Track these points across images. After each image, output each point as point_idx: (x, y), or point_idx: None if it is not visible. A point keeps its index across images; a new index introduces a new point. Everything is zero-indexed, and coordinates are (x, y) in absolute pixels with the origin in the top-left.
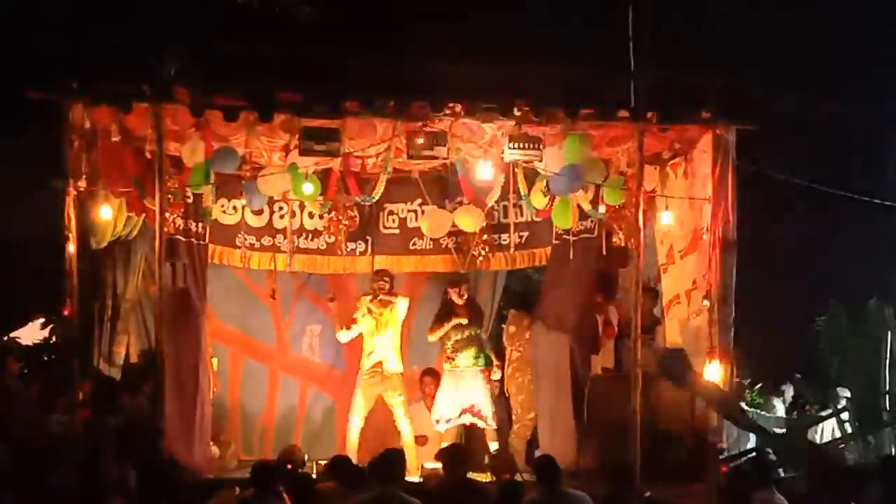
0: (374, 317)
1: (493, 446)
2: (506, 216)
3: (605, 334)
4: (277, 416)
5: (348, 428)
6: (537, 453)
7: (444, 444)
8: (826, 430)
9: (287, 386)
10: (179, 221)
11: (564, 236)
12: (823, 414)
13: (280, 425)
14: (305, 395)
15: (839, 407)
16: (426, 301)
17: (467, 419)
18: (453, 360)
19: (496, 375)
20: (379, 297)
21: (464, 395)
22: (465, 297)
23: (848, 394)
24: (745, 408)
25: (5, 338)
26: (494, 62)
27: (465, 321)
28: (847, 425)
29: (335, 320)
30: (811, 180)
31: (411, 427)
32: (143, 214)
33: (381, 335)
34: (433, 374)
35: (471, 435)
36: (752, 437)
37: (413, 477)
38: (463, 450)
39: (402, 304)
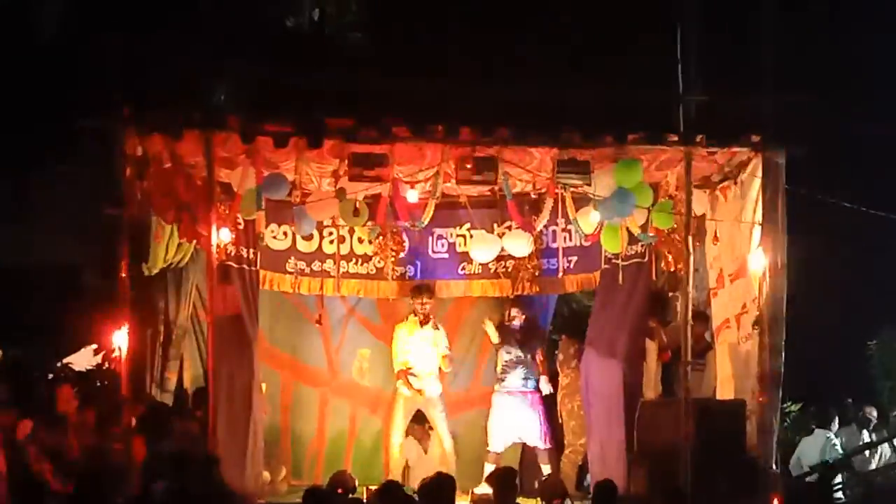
0: (415, 337)
1: (546, 469)
2: (555, 241)
3: (659, 359)
4: (328, 440)
5: (390, 446)
6: (588, 478)
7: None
8: (885, 455)
9: (337, 410)
10: (231, 247)
11: (614, 260)
12: (876, 439)
13: (331, 449)
14: (356, 418)
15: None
16: (469, 326)
17: (519, 440)
18: (503, 380)
19: (546, 389)
20: (420, 318)
21: (516, 417)
22: (522, 319)
23: None
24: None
25: (59, 364)
26: (543, 87)
27: (511, 347)
28: None
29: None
30: (862, 203)
31: (452, 441)
32: (195, 241)
33: (422, 357)
34: None
35: (525, 459)
36: None
37: (463, 501)
38: (514, 474)
39: (442, 334)
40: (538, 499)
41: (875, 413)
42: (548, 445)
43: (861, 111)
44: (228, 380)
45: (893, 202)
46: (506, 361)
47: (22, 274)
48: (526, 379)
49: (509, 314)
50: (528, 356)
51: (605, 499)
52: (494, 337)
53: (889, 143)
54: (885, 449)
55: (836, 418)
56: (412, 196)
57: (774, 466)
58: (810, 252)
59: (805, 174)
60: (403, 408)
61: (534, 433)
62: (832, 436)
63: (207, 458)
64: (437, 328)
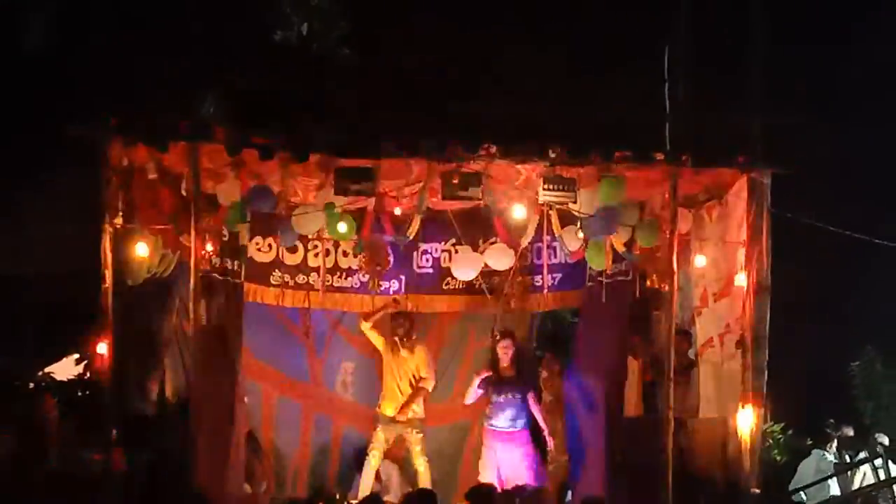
0: (396, 359)
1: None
2: (539, 257)
3: (642, 377)
4: (311, 453)
5: (365, 464)
6: (569, 494)
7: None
8: (867, 477)
9: (321, 423)
10: (215, 259)
11: (598, 278)
12: (856, 460)
13: (314, 463)
14: (339, 432)
15: (877, 452)
16: (452, 341)
17: (506, 479)
18: (490, 418)
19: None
20: (399, 340)
21: (501, 461)
22: (511, 353)
23: (886, 440)
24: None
25: (40, 373)
26: (530, 104)
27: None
28: (881, 472)
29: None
30: (845, 224)
31: (428, 466)
32: (179, 252)
33: (402, 380)
34: None
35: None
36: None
37: None
38: (492, 491)
39: (424, 353)
40: None
41: (852, 432)
42: (533, 488)
43: (846, 133)
44: (211, 391)
45: (876, 225)
46: (495, 402)
47: (4, 283)
48: (514, 420)
49: (503, 347)
50: (520, 398)
51: None
52: (471, 396)
53: (874, 165)
54: (866, 469)
55: (836, 440)
56: (397, 210)
57: (756, 487)
58: (794, 272)
59: (790, 195)
60: (384, 430)
61: (520, 475)
62: (825, 452)
63: (187, 469)
64: (413, 352)
